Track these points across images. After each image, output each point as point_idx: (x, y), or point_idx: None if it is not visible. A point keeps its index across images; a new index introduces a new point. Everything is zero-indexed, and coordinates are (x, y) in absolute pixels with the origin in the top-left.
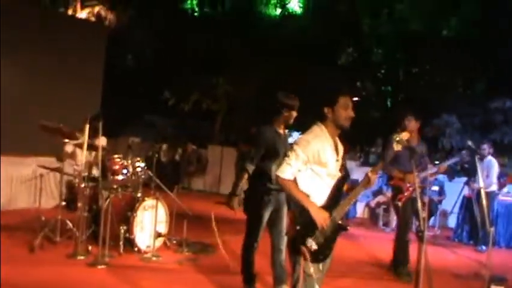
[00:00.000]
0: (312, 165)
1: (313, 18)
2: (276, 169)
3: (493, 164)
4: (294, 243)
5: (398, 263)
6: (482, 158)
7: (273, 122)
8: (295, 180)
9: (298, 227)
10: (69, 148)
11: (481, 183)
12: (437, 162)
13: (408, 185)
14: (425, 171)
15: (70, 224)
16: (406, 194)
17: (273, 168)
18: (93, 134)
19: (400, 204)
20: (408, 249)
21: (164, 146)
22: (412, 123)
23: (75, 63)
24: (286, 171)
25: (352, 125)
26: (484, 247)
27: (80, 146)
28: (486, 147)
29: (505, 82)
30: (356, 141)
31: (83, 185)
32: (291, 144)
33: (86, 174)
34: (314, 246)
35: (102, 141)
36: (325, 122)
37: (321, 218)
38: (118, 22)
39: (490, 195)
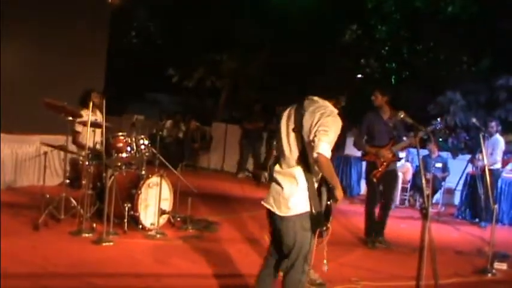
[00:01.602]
0: None
1: None
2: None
3: (499, 142)
4: (322, 220)
5: (369, 233)
6: (489, 136)
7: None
8: None
9: (329, 203)
10: (79, 127)
11: (485, 161)
12: (412, 134)
13: (382, 160)
14: (399, 145)
15: (74, 202)
16: (380, 169)
17: None
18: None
19: (375, 180)
20: (374, 220)
21: (168, 123)
22: (379, 99)
23: (79, 40)
24: (327, 150)
25: (357, 102)
26: (487, 224)
27: (84, 123)
28: (494, 125)
29: (510, 59)
30: (361, 118)
31: (87, 163)
32: (318, 122)
33: (90, 151)
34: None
35: (97, 116)
36: (333, 103)
37: (341, 197)
38: None
39: (494, 173)
